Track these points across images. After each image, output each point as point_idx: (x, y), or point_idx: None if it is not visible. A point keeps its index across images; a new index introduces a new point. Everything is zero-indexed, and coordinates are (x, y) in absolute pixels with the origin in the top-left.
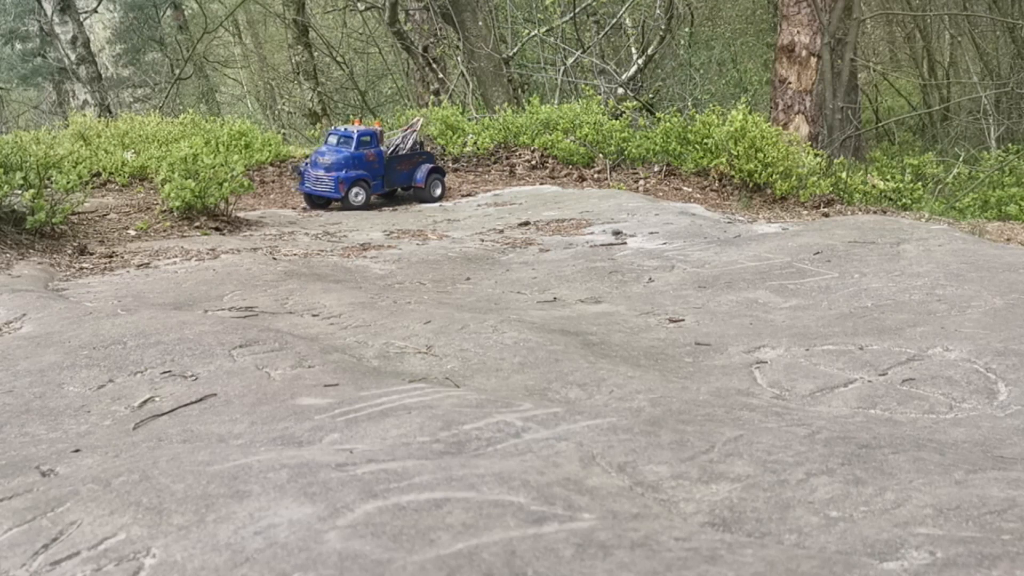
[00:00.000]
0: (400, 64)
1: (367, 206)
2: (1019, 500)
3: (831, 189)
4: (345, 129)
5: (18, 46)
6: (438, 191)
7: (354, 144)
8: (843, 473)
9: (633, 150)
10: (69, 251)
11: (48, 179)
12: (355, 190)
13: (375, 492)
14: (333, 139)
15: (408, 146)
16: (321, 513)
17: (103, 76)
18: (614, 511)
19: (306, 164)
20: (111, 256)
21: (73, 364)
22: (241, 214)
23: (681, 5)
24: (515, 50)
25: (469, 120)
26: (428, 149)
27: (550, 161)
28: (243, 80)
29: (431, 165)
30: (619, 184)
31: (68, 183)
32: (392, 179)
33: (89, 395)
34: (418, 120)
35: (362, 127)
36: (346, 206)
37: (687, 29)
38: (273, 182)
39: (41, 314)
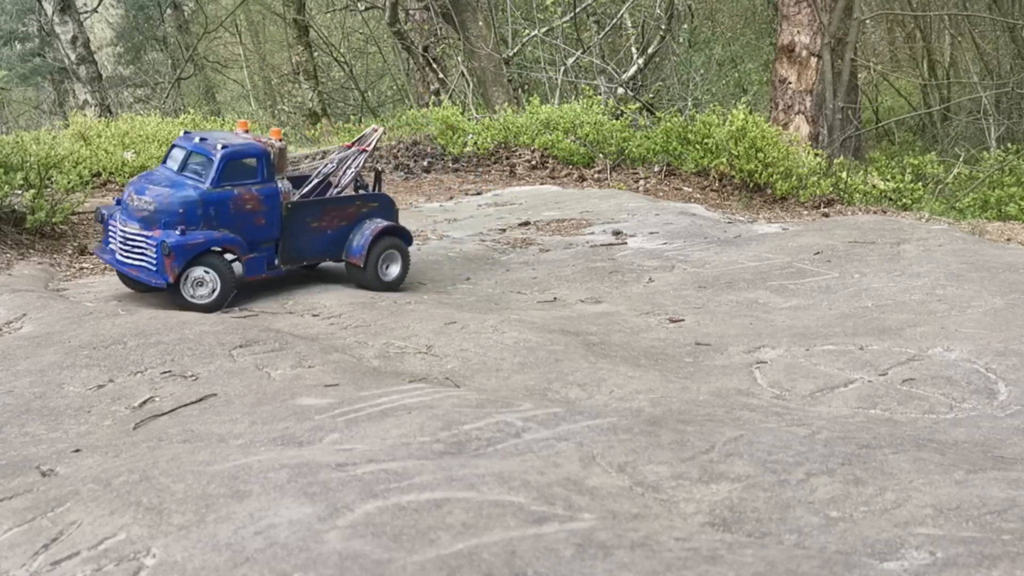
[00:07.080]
0: (400, 64)
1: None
2: (1019, 500)
3: (831, 189)
4: (201, 140)
5: (18, 46)
6: (395, 271)
7: (214, 172)
8: (843, 473)
9: (633, 150)
10: (69, 251)
11: (48, 179)
12: (197, 274)
13: (375, 492)
14: (178, 154)
15: (347, 179)
16: (321, 513)
17: (103, 76)
18: (614, 511)
19: (116, 203)
20: None
21: (73, 364)
22: None
23: (681, 4)
24: (515, 50)
25: (469, 120)
26: (428, 151)
27: (550, 161)
28: (244, 80)
29: (383, 222)
30: (619, 184)
31: (68, 183)
32: (297, 246)
33: (89, 395)
34: (377, 130)
35: (239, 138)
36: (181, 303)
37: (686, 26)
38: None
39: (41, 314)
